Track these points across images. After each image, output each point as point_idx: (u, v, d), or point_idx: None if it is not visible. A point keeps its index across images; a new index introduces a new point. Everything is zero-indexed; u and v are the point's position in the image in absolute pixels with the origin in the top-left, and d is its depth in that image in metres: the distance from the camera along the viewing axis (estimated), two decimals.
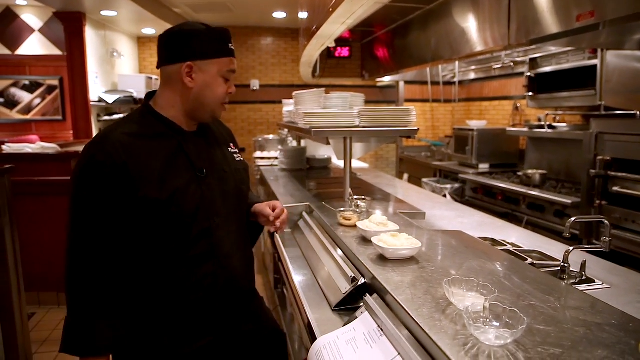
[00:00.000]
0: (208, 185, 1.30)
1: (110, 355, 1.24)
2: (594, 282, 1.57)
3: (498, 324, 0.95)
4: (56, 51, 5.77)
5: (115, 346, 1.21)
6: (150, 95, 1.36)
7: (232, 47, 1.30)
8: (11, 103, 5.94)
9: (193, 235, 1.26)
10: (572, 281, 1.56)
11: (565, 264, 1.57)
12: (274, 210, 1.51)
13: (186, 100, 1.29)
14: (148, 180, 1.19)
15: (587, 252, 1.88)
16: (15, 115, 5.95)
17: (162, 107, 1.31)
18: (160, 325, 1.28)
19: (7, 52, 5.79)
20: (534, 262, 1.77)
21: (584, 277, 1.59)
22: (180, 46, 1.25)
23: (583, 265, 1.61)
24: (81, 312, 1.19)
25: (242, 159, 1.50)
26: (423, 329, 0.98)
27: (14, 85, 5.92)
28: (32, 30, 5.80)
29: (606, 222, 1.58)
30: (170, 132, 1.29)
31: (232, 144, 1.49)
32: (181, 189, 1.23)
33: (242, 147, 2.08)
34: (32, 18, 5.75)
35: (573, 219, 1.54)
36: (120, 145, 1.19)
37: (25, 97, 5.97)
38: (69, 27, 5.15)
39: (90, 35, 5.41)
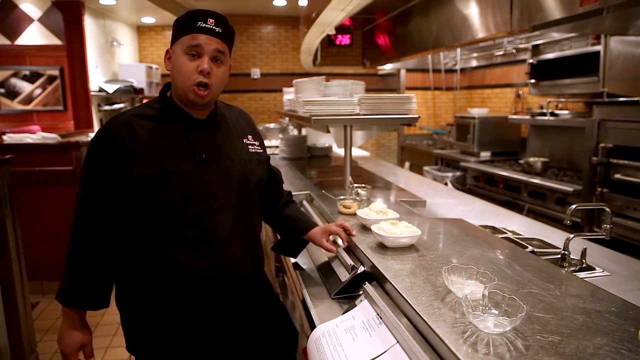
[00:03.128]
0: (207, 171, 1.32)
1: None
2: (594, 269, 1.57)
3: (497, 312, 0.94)
4: (56, 41, 5.73)
5: (99, 304, 1.31)
6: (169, 84, 1.43)
7: (205, 25, 1.26)
8: (12, 93, 5.91)
9: (188, 217, 1.28)
10: (572, 269, 1.56)
11: (566, 252, 1.57)
12: (330, 235, 1.61)
13: (172, 85, 1.36)
14: (142, 158, 1.25)
15: (588, 239, 1.87)
16: (16, 105, 5.92)
17: (172, 94, 1.38)
18: (160, 307, 1.31)
19: (6, 42, 5.74)
20: (535, 249, 1.77)
21: (584, 265, 1.59)
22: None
23: (583, 253, 1.60)
24: (72, 268, 1.30)
25: (259, 150, 1.50)
26: (422, 317, 0.98)
27: (15, 75, 5.88)
28: (32, 20, 5.75)
29: (607, 209, 1.57)
30: (176, 116, 1.34)
31: (250, 136, 1.50)
32: (176, 170, 1.27)
33: None
34: (31, 7, 5.69)
35: (574, 206, 1.53)
36: (124, 124, 1.27)
37: (26, 87, 5.94)
38: (67, 16, 5.11)
39: (89, 24, 5.37)
